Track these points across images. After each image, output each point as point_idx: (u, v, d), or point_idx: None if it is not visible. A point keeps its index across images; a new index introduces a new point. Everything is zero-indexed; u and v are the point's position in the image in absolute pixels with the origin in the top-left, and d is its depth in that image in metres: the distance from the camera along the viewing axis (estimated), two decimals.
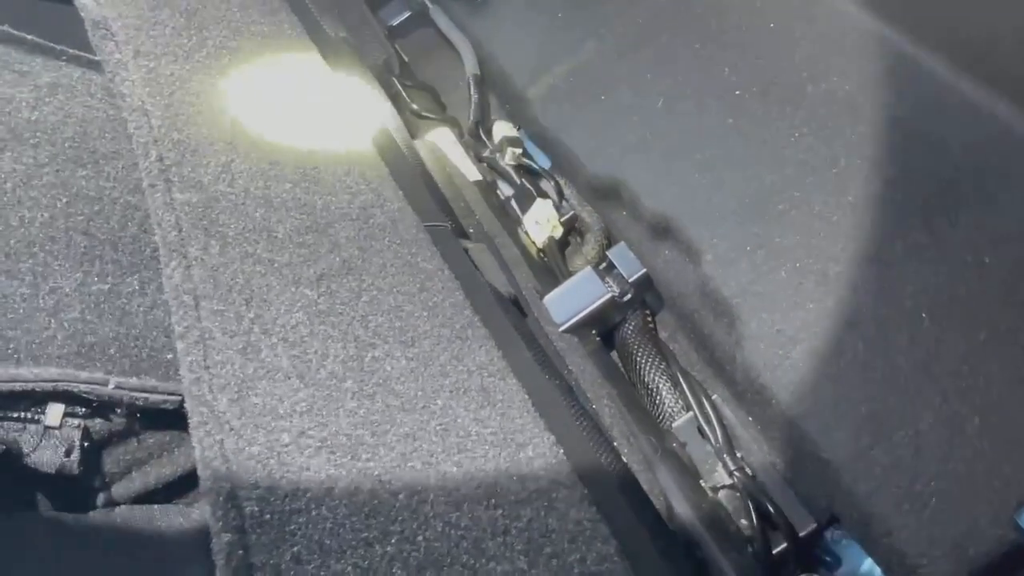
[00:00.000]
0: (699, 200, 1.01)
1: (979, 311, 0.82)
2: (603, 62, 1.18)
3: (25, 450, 0.52)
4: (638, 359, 0.98)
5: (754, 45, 1.09)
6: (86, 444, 0.54)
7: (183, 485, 0.62)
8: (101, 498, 0.58)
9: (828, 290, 0.89)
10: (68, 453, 0.53)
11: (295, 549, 0.48)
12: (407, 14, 1.49)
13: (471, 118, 1.27)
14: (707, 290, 0.97)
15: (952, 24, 0.95)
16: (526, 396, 0.66)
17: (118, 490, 0.58)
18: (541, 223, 1.11)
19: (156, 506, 0.58)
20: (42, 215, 0.56)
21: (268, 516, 0.49)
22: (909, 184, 0.90)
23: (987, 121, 0.90)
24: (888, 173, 0.92)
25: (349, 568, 0.48)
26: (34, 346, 0.52)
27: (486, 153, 1.21)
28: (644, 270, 0.99)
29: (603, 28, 1.21)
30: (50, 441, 0.51)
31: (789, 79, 1.03)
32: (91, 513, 0.56)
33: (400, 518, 0.53)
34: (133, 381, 0.56)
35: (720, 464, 0.89)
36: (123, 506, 0.57)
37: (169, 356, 0.57)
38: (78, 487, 0.56)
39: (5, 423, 0.51)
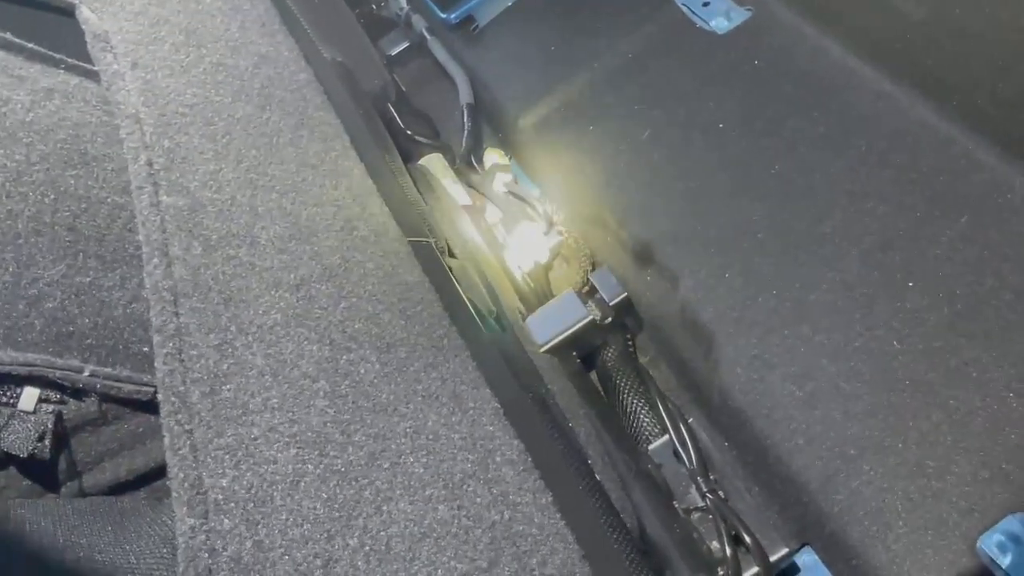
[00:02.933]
0: (681, 228, 1.03)
1: (949, 342, 0.83)
2: (592, 93, 1.21)
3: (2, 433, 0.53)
4: (617, 381, 0.99)
5: (738, 82, 1.12)
6: (59, 430, 0.55)
7: (154, 479, 0.63)
8: (71, 487, 0.58)
9: (803, 317, 0.90)
10: (41, 438, 0.54)
11: (257, 537, 0.49)
12: (405, 44, 1.52)
13: (463, 145, 1.29)
14: (686, 315, 0.98)
15: (928, 64, 0.98)
16: (497, 405, 0.67)
17: (88, 480, 0.59)
18: (527, 247, 1.13)
19: (126, 497, 0.59)
20: (29, 209, 0.58)
21: (232, 505, 0.50)
22: (884, 215, 0.92)
23: (963, 155, 0.92)
24: (864, 205, 0.94)
25: (311, 557, 0.49)
26: (13, 331, 0.53)
27: (476, 178, 1.24)
28: (625, 294, 1.01)
29: (594, 61, 1.24)
30: (23, 425, 0.52)
31: (770, 114, 1.06)
32: (59, 500, 0.57)
33: (365, 513, 0.53)
34: (108, 370, 0.57)
35: (694, 486, 0.90)
36: (92, 496, 0.58)
37: (145, 349, 0.58)
38: (48, 473, 0.57)
39: None
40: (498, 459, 0.62)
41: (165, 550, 0.52)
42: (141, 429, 0.59)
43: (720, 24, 1.19)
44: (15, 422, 0.52)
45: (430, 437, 0.61)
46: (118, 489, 0.60)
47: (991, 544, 0.73)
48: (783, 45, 1.12)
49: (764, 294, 0.94)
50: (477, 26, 1.40)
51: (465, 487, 0.58)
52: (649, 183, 1.09)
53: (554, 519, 0.59)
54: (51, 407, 0.54)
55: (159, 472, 0.61)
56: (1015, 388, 0.79)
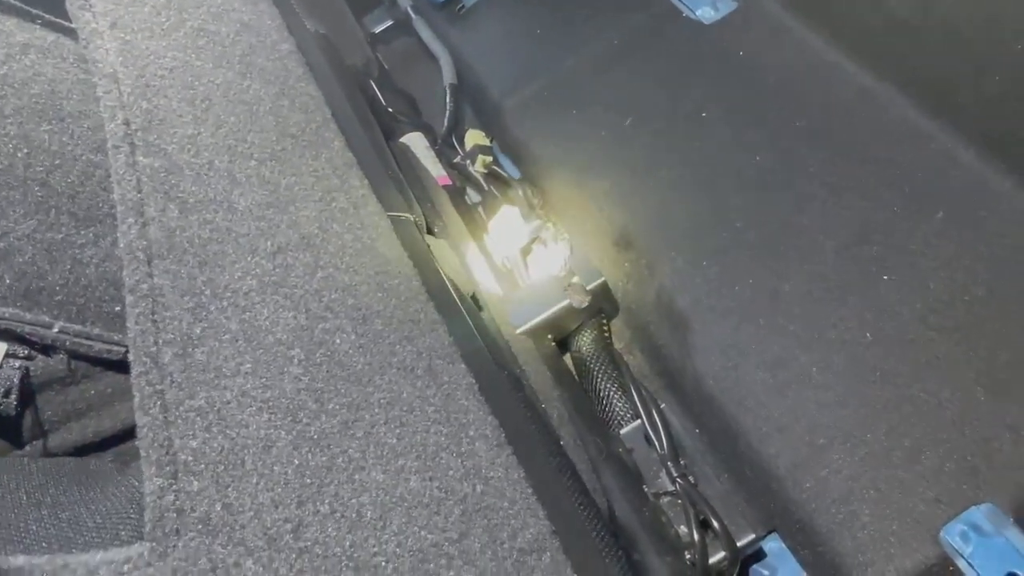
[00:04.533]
0: (661, 215, 1.03)
1: (921, 336, 0.84)
2: (577, 79, 1.21)
3: None
4: (591, 366, 1.00)
5: (722, 72, 1.12)
6: (25, 388, 0.54)
7: (120, 442, 0.62)
8: (36, 446, 0.57)
9: (778, 307, 0.91)
10: (7, 394, 0.52)
11: (227, 500, 0.48)
12: (389, 22, 1.51)
13: (445, 125, 1.29)
14: (663, 302, 0.98)
15: (911, 61, 0.99)
16: (472, 381, 0.67)
17: (54, 440, 0.58)
18: (507, 230, 1.12)
19: (92, 459, 0.58)
20: (1, 162, 0.57)
21: (202, 466, 0.49)
22: (862, 209, 0.93)
23: (942, 153, 0.93)
24: (843, 199, 0.95)
25: (281, 521, 0.49)
26: None
27: (457, 160, 1.23)
28: (603, 279, 1.01)
29: (579, 47, 1.24)
30: None
31: (753, 105, 1.07)
32: (23, 459, 0.55)
33: (336, 481, 0.53)
34: (78, 327, 0.56)
35: (664, 471, 0.90)
36: (57, 457, 0.57)
37: (117, 308, 0.57)
38: (13, 431, 0.56)
39: None
40: (471, 433, 0.61)
41: (132, 511, 0.51)
42: (110, 390, 0.58)
43: (706, 14, 1.19)
44: None
45: (404, 409, 0.60)
46: (83, 450, 0.59)
47: (954, 534, 0.74)
48: (768, 37, 1.12)
49: (740, 283, 0.94)
50: (463, 6, 1.39)
51: (438, 459, 0.58)
52: (630, 170, 1.09)
53: (526, 494, 0.59)
54: (18, 363, 0.53)
55: (126, 435, 0.61)
56: (983, 383, 0.80)
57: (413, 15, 1.45)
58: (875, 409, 0.82)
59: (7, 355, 0.52)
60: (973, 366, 0.81)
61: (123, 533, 0.49)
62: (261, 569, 0.46)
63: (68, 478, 0.55)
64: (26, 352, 0.54)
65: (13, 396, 0.53)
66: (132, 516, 0.49)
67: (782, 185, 0.99)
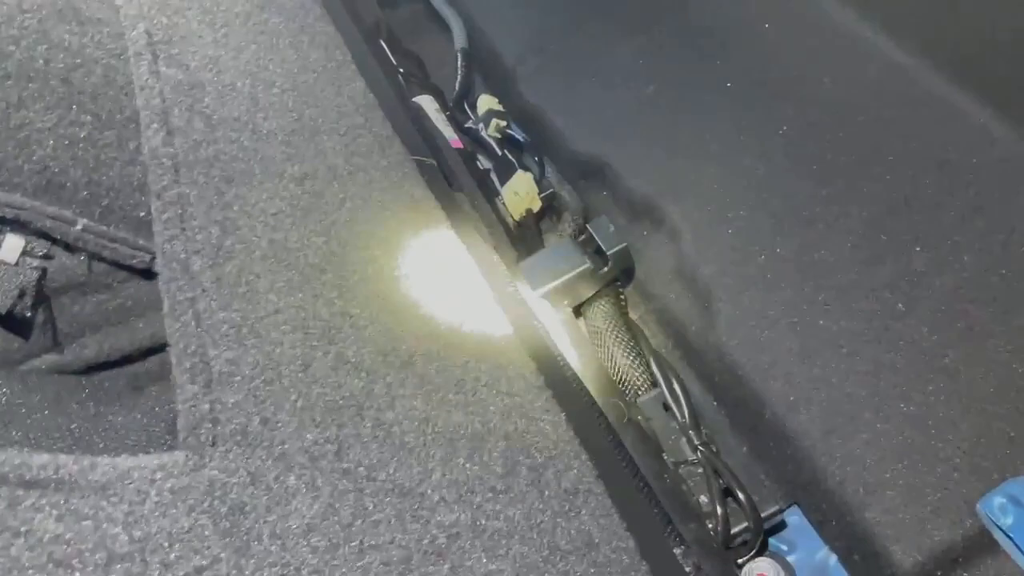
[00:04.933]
0: (682, 183, 1.00)
1: (954, 307, 0.82)
2: (596, 45, 1.18)
3: None
4: (608, 333, 0.96)
5: (749, 43, 1.10)
6: (41, 290, 0.49)
7: (135, 361, 0.57)
8: (47, 359, 0.53)
9: (805, 276, 0.88)
10: (21, 295, 0.48)
11: (265, 415, 0.44)
12: None
13: (456, 89, 1.25)
14: (683, 270, 0.96)
15: (947, 38, 0.97)
16: (506, 318, 0.63)
17: (68, 354, 0.53)
18: (520, 195, 1.09)
19: (105, 381, 0.53)
20: (20, 53, 0.52)
21: (238, 379, 0.45)
22: (893, 181, 0.91)
23: (975, 128, 0.91)
24: (870, 171, 0.93)
25: (322, 441, 0.45)
26: (6, 174, 0.47)
27: (469, 124, 1.19)
28: (624, 244, 0.97)
29: (597, 15, 1.21)
30: (3, 277, 0.47)
31: (780, 77, 1.04)
32: (34, 372, 0.51)
33: (376, 406, 0.49)
34: (103, 227, 0.52)
35: (684, 439, 0.87)
36: (68, 375, 0.52)
37: (142, 214, 0.53)
38: (26, 337, 0.52)
39: None
40: (511, 373, 0.58)
41: (153, 427, 0.47)
42: (129, 303, 0.54)
43: None
44: None
45: (443, 343, 0.57)
46: (94, 370, 0.55)
47: (992, 506, 0.71)
48: (796, 11, 1.10)
49: (766, 252, 0.92)
50: None
51: (479, 394, 0.54)
52: (651, 136, 1.06)
53: (568, 436, 0.56)
54: (35, 262, 0.48)
55: (141, 355, 0.56)
56: (1019, 356, 0.78)
57: None
58: (908, 379, 0.79)
59: (24, 253, 0.47)
60: (1009, 339, 0.79)
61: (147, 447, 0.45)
62: (304, 486, 0.42)
63: (85, 394, 0.50)
64: (45, 250, 0.49)
65: (28, 298, 0.48)
66: (154, 431, 0.45)
67: (809, 157, 0.97)
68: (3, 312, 0.48)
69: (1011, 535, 0.70)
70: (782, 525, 0.84)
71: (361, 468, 0.45)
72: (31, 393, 0.48)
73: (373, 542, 0.42)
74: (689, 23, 1.14)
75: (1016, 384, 0.76)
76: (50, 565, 0.34)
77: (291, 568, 0.39)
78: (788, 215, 0.93)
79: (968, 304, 0.82)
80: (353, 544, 0.41)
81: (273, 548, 0.39)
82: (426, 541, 0.43)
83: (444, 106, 1.23)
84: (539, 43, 1.22)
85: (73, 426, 0.45)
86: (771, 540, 0.84)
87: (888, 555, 0.74)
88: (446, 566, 0.43)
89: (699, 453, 0.85)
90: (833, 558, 0.81)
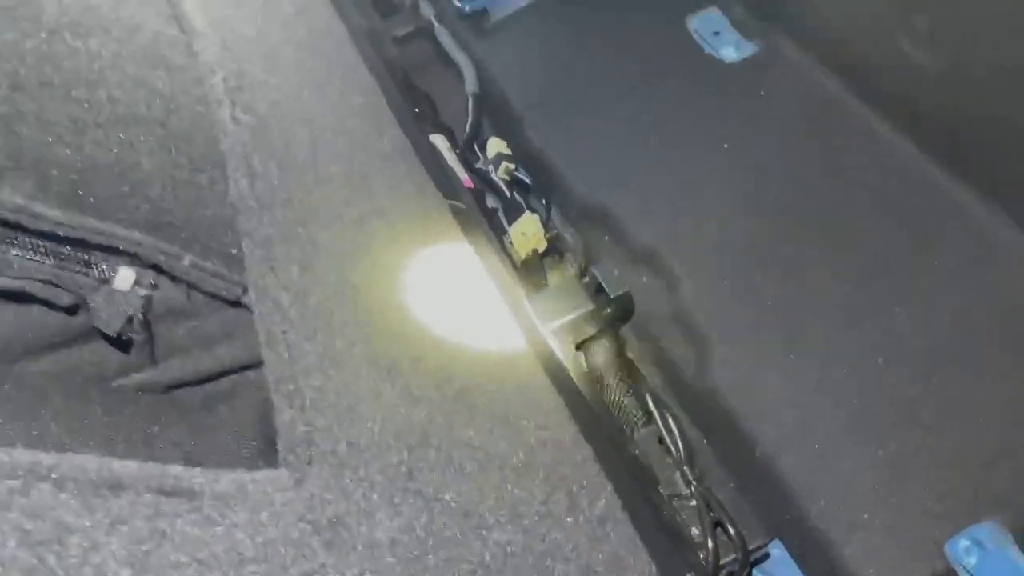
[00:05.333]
0: (681, 234, 1.08)
1: (931, 366, 0.90)
2: (600, 101, 1.25)
3: (92, 307, 0.52)
4: (607, 371, 1.03)
5: (744, 108, 1.18)
6: (146, 316, 0.54)
7: (208, 381, 0.62)
8: (138, 378, 0.57)
9: (794, 329, 0.96)
10: (130, 319, 0.53)
11: (350, 439, 0.50)
12: (410, 28, 1.53)
13: (467, 131, 1.31)
14: (680, 316, 1.03)
15: (922, 108, 1.06)
16: (535, 356, 0.70)
17: (156, 374, 0.58)
18: (527, 235, 1.15)
19: (183, 398, 0.58)
20: (125, 98, 0.58)
21: (325, 405, 0.51)
22: (876, 245, 1.00)
23: (948, 199, 1.01)
24: (857, 234, 1.01)
25: (396, 463, 0.50)
26: (119, 211, 0.52)
27: (478, 165, 1.26)
28: (627, 288, 1.04)
29: (604, 71, 1.29)
30: (116, 304, 0.52)
31: (773, 141, 1.13)
32: (128, 384, 0.56)
33: (437, 434, 0.55)
34: (205, 263, 0.57)
35: (678, 474, 0.93)
36: (150, 393, 0.57)
37: (233, 251, 0.58)
38: (126, 358, 0.56)
39: (80, 277, 0.52)
40: (545, 408, 0.64)
41: (234, 446, 0.52)
42: (215, 330, 0.59)
43: (729, 54, 1.25)
44: (109, 299, 0.51)
45: (487, 378, 0.63)
46: (174, 387, 0.60)
47: (958, 548, 0.79)
48: (788, 82, 1.19)
49: (758, 304, 1.00)
50: (489, 20, 1.43)
51: (520, 427, 0.60)
52: (652, 187, 1.13)
53: (596, 468, 0.62)
54: (144, 291, 0.53)
55: (216, 376, 0.61)
56: (986, 414, 0.86)
57: (436, 24, 1.48)
58: (886, 428, 0.88)
59: (135, 283, 0.52)
60: (978, 399, 0.87)
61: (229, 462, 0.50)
62: (384, 504, 0.48)
63: (165, 411, 0.55)
64: (152, 281, 0.54)
65: (134, 322, 0.53)
66: (230, 447, 0.50)
67: (799, 217, 1.05)
68: (113, 334, 0.53)
69: (974, 575, 0.78)
70: (765, 557, 0.91)
71: (430, 489, 0.51)
72: (123, 408, 0.53)
73: (445, 555, 0.48)
74: (689, 86, 1.22)
75: (983, 438, 0.85)
76: (195, 564, 0.40)
77: None
78: (779, 270, 1.01)
79: (944, 363, 0.90)
80: (429, 557, 0.47)
81: (366, 557, 0.45)
82: (487, 557, 0.49)
83: (455, 145, 1.29)
84: (548, 93, 1.29)
85: (162, 442, 0.50)
86: (755, 571, 0.91)
87: None
88: None
89: (692, 488, 0.92)
90: None
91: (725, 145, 1.15)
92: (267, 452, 0.51)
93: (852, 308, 0.96)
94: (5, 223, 0.48)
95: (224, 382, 0.61)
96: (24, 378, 0.51)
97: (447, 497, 0.51)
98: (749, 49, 1.25)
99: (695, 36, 1.29)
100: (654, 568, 0.57)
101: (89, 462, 0.40)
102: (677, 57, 1.28)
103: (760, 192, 1.08)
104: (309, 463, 0.47)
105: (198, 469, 0.43)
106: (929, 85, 1.03)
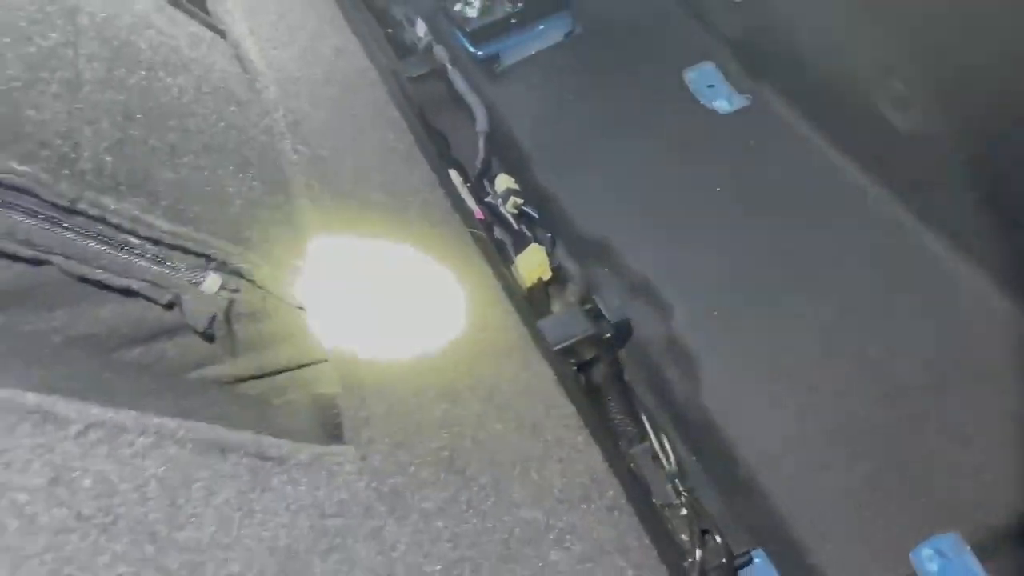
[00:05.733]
0: (676, 268, 1.18)
1: (902, 395, 1.00)
2: (603, 143, 1.36)
3: (184, 306, 0.60)
4: (605, 391, 1.12)
5: (734, 155, 1.29)
6: (227, 316, 0.63)
7: (267, 381, 0.70)
8: (212, 370, 0.65)
9: (778, 354, 1.06)
10: (214, 319, 0.61)
11: (400, 424, 0.58)
12: (424, 70, 1.63)
13: (478, 167, 1.41)
14: (673, 343, 1.12)
15: (904, 170, 1.17)
16: (551, 370, 0.78)
17: (228, 368, 0.66)
18: (533, 265, 1.25)
19: (248, 391, 0.66)
20: (210, 128, 0.66)
21: (381, 397, 0.59)
22: (850, 287, 1.10)
23: (919, 247, 1.11)
24: (836, 275, 1.11)
25: (438, 447, 0.59)
26: (212, 225, 0.61)
27: (488, 198, 1.36)
28: (626, 316, 1.14)
29: (606, 117, 1.39)
30: (204, 305, 0.60)
31: (760, 186, 1.24)
32: (203, 376, 0.64)
33: (471, 426, 0.64)
34: (279, 273, 0.66)
35: (670, 486, 1.02)
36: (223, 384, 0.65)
37: (299, 263, 0.67)
38: (208, 352, 0.65)
39: (175, 279, 0.60)
40: (561, 412, 0.73)
41: (297, 432, 0.60)
42: (279, 331, 0.67)
43: (722, 106, 1.36)
44: (198, 299, 0.60)
45: (511, 387, 0.72)
46: (242, 380, 0.68)
47: (921, 556, 0.88)
48: (774, 133, 1.31)
49: (745, 333, 1.09)
50: (499, 65, 1.54)
51: (538, 427, 0.69)
52: (648, 226, 1.24)
53: (604, 466, 0.71)
54: (227, 295, 0.62)
55: (276, 372, 0.69)
56: (950, 436, 0.96)
57: (450, 67, 1.58)
58: (858, 449, 0.97)
59: (221, 287, 0.61)
60: (942, 422, 0.97)
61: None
62: (432, 479, 0.56)
63: (236, 402, 0.63)
64: (235, 286, 0.63)
65: (217, 322, 0.61)
66: (292, 435, 0.58)
67: (783, 255, 1.16)
68: (200, 330, 0.61)
69: None
70: (749, 562, 0.99)
71: (468, 471, 0.59)
72: (196, 395, 0.61)
73: (482, 525, 0.56)
74: (684, 133, 1.33)
75: (946, 457, 0.94)
76: (288, 511, 0.48)
77: (435, 537, 0.53)
78: (765, 304, 1.11)
79: (913, 391, 1.00)
80: (468, 525, 0.56)
81: (420, 520, 0.53)
82: (516, 530, 0.57)
83: (466, 180, 1.39)
84: (554, 134, 1.40)
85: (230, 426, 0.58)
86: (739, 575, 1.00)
87: None
88: (531, 550, 0.57)
89: (683, 498, 1.00)
90: None
91: (717, 189, 1.25)
92: (320, 439, 0.59)
93: (830, 340, 1.05)
94: (120, 228, 0.56)
95: (281, 378, 0.69)
96: (120, 365, 0.59)
97: (482, 479, 0.59)
98: (740, 102, 1.36)
99: (691, 88, 1.40)
100: (655, 553, 0.66)
101: (201, 428, 0.48)
102: (673, 106, 1.39)
103: (748, 232, 1.18)
104: (370, 442, 0.56)
105: (284, 440, 0.51)
106: (902, 141, 1.14)
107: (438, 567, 0.53)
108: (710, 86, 1.39)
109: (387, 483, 0.54)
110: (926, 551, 0.88)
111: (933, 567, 0.87)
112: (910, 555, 0.89)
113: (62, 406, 0.45)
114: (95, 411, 0.46)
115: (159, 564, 0.44)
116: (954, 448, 0.95)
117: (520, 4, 1.55)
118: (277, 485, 0.49)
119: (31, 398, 0.44)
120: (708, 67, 1.41)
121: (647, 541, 0.67)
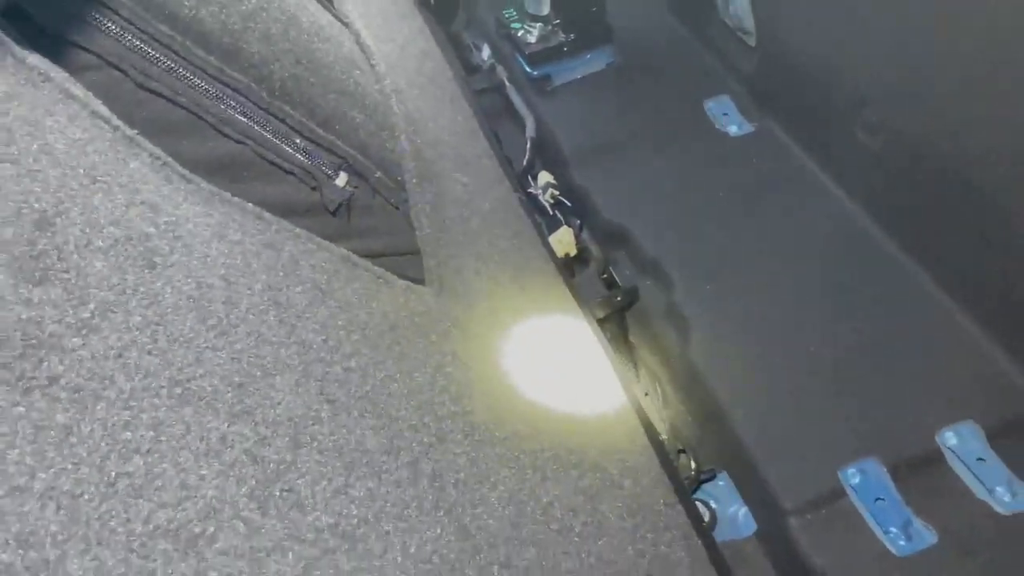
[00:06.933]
0: (680, 253, 1.43)
1: (853, 359, 1.24)
2: (632, 152, 1.62)
3: (324, 192, 0.86)
4: (614, 346, 1.37)
5: (741, 172, 1.55)
6: (348, 205, 0.89)
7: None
8: (340, 243, 0.91)
9: (757, 319, 1.30)
10: (339, 205, 0.87)
11: (462, 283, 0.85)
12: (487, 85, 1.92)
13: (524, 164, 1.69)
14: (672, 310, 1.37)
15: (876, 186, 1.43)
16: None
17: (349, 245, 0.92)
18: (563, 243, 1.51)
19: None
20: (345, 79, 0.94)
21: (449, 270, 0.86)
22: (823, 274, 1.35)
23: (886, 260, 1.36)
24: (811, 265, 1.36)
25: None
26: (347, 137, 0.88)
27: (530, 190, 1.63)
28: (635, 284, 1.39)
29: (638, 133, 1.66)
30: (336, 194, 0.86)
31: (762, 198, 1.49)
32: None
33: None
34: (388, 179, 0.92)
35: (656, 413, 1.27)
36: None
37: (400, 178, 0.94)
38: (335, 226, 0.91)
39: (319, 173, 0.86)
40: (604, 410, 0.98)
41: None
42: (382, 225, 0.93)
43: (733, 130, 1.63)
44: (331, 189, 0.86)
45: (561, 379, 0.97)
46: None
47: (847, 473, 1.12)
48: (775, 156, 1.56)
49: (732, 301, 1.34)
50: (551, 84, 1.82)
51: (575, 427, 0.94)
52: (663, 220, 1.49)
53: (630, 412, 0.95)
54: (351, 189, 0.88)
55: (376, 256, 0.95)
56: (883, 384, 1.20)
57: (508, 83, 1.87)
58: (811, 395, 1.21)
59: (347, 183, 0.87)
60: (876, 378, 1.21)
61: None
62: (489, 337, 0.83)
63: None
64: (357, 184, 0.89)
65: (343, 207, 0.87)
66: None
67: (772, 246, 1.40)
68: (332, 211, 0.87)
69: (856, 491, 1.10)
70: (712, 477, 1.23)
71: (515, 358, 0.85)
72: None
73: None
74: (700, 152, 1.59)
75: (869, 394, 1.18)
76: (394, 314, 0.75)
77: (482, 360, 0.80)
78: (757, 282, 1.35)
79: (863, 357, 1.24)
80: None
81: (473, 349, 0.80)
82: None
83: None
84: (591, 144, 1.67)
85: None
86: (705, 489, 1.23)
87: (777, 506, 1.13)
88: (555, 527, 0.81)
89: (665, 424, 1.25)
90: (744, 509, 1.20)
91: (720, 194, 1.51)
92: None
93: (798, 309, 1.30)
94: (291, 128, 0.83)
95: (381, 261, 0.94)
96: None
97: (532, 447, 0.84)
98: (748, 128, 1.63)
99: (709, 115, 1.67)
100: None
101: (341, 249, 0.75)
102: (693, 129, 1.66)
103: (743, 229, 1.44)
104: (440, 290, 0.82)
105: (393, 275, 0.78)
106: (876, 164, 1.40)
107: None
108: (725, 114, 1.66)
109: (451, 314, 0.80)
110: (851, 470, 1.12)
111: (855, 480, 1.10)
112: (838, 472, 1.12)
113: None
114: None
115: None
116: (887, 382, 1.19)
117: (572, 36, 1.84)
118: (386, 296, 0.75)
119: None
120: (724, 98, 1.68)
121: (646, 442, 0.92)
